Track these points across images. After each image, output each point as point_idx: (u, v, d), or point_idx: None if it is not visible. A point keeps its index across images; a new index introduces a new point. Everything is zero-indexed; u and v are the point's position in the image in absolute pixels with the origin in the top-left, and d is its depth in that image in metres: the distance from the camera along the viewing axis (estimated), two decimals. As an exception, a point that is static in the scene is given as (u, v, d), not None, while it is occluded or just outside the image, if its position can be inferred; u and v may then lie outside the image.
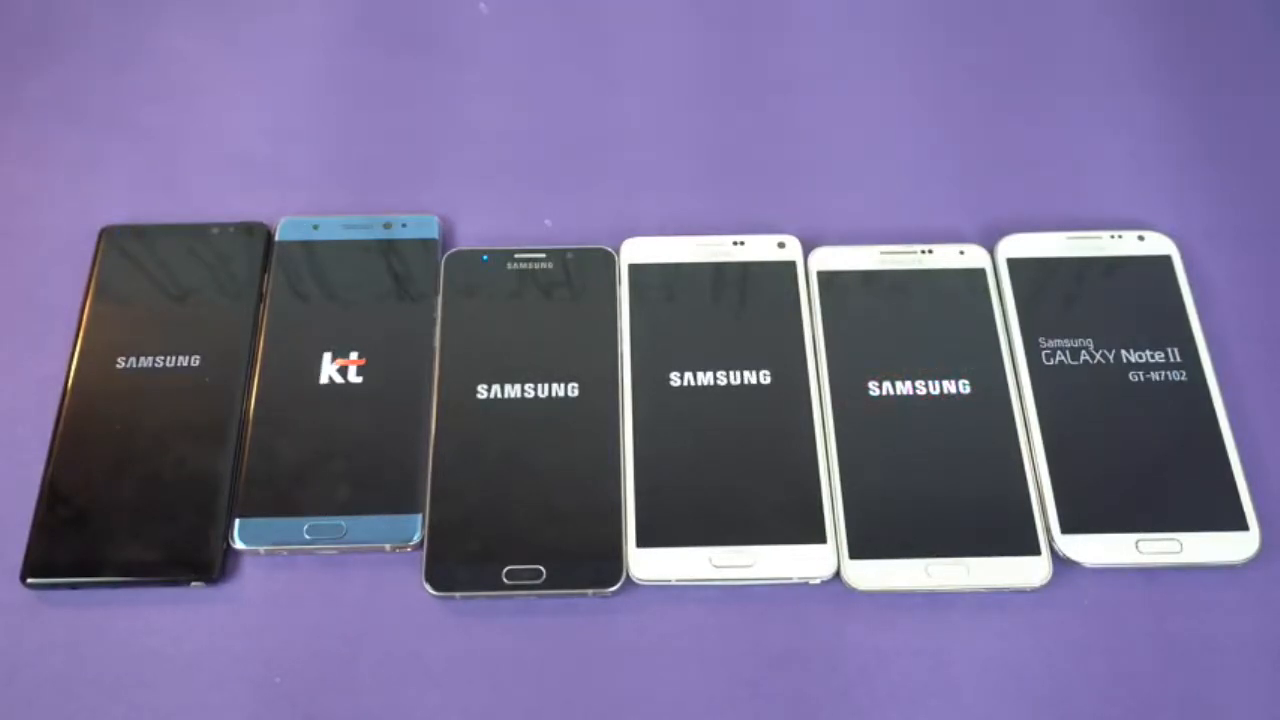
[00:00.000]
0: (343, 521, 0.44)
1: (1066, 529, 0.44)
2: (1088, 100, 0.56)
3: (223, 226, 0.51)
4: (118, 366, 0.47)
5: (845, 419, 0.46)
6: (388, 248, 0.51)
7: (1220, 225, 0.53)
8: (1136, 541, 0.44)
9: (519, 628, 0.44)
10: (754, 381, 0.47)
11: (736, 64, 0.58)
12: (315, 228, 0.51)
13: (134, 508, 0.44)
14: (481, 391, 0.47)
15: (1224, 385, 0.47)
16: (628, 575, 0.44)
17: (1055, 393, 0.47)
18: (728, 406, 0.47)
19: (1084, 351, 0.48)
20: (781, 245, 0.51)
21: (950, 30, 0.59)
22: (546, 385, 0.47)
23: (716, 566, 0.44)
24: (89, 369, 0.47)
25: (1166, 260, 0.50)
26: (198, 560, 0.44)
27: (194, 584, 0.44)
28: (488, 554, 0.44)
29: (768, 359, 0.48)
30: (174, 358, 0.47)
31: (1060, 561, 0.44)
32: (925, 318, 0.49)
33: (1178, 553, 0.44)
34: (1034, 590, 0.43)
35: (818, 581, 0.44)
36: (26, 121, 0.55)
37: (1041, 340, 0.48)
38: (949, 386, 0.47)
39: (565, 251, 0.51)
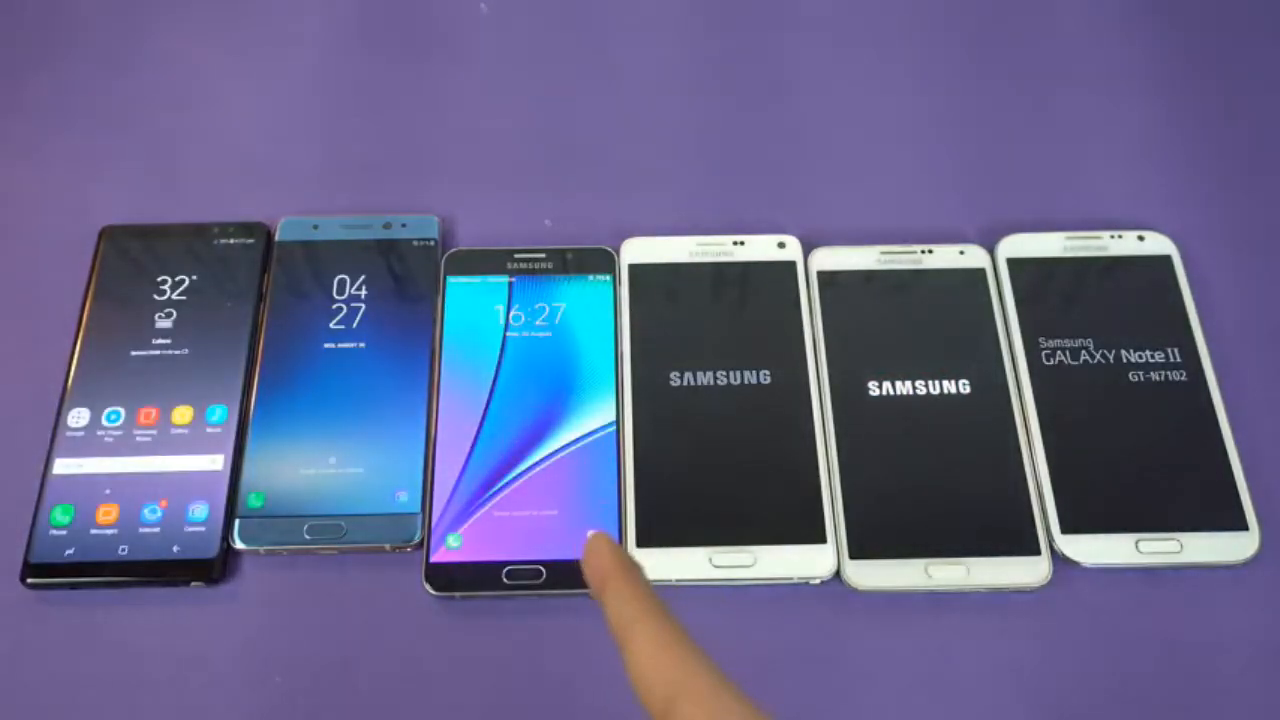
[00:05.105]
0: (342, 522, 0.44)
1: (1066, 529, 0.44)
2: (1088, 100, 0.56)
3: (223, 226, 0.51)
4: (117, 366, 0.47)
5: (845, 419, 0.46)
6: (388, 248, 0.51)
7: (1220, 225, 0.53)
8: (1136, 541, 0.44)
9: (519, 628, 0.44)
10: (754, 381, 0.47)
11: (736, 64, 0.58)
12: (315, 228, 0.51)
13: (136, 508, 0.44)
14: (481, 391, 0.47)
15: (1224, 385, 0.47)
16: (628, 575, 0.43)
17: (1055, 393, 0.47)
18: (728, 406, 0.47)
19: (1084, 351, 0.48)
20: (781, 245, 0.51)
21: (950, 30, 0.59)
22: (546, 385, 0.47)
23: (716, 566, 0.44)
24: (89, 369, 0.47)
25: (1166, 260, 0.50)
26: (198, 560, 0.44)
27: (194, 584, 0.44)
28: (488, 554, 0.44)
29: (768, 359, 0.48)
30: (174, 357, 0.47)
31: (1060, 561, 0.44)
32: (925, 318, 0.49)
33: (1178, 553, 0.44)
34: (1034, 590, 0.43)
35: (818, 581, 0.44)
36: (26, 121, 0.55)
37: (1041, 340, 0.48)
38: (949, 386, 0.47)
39: (565, 251, 0.51)
